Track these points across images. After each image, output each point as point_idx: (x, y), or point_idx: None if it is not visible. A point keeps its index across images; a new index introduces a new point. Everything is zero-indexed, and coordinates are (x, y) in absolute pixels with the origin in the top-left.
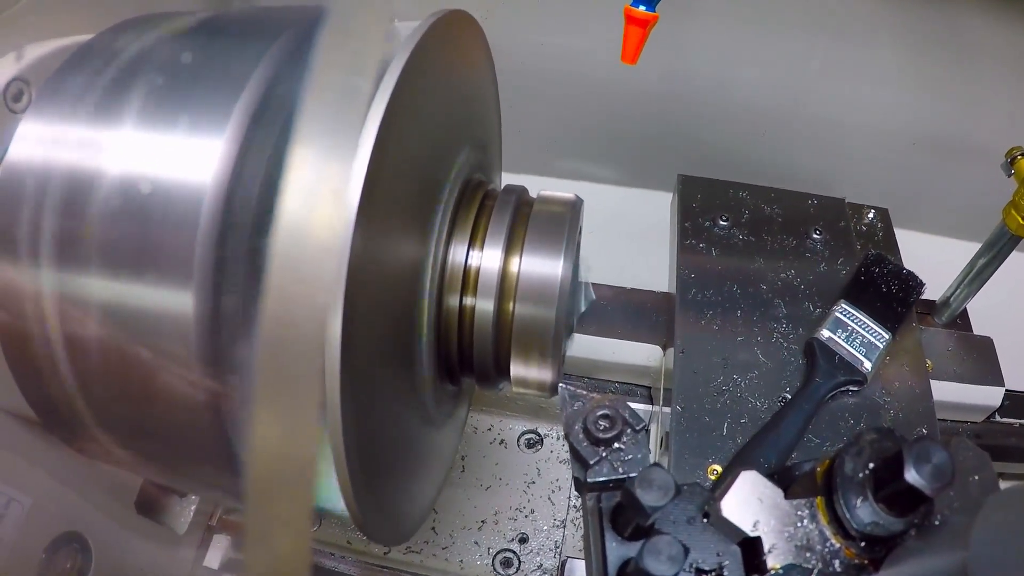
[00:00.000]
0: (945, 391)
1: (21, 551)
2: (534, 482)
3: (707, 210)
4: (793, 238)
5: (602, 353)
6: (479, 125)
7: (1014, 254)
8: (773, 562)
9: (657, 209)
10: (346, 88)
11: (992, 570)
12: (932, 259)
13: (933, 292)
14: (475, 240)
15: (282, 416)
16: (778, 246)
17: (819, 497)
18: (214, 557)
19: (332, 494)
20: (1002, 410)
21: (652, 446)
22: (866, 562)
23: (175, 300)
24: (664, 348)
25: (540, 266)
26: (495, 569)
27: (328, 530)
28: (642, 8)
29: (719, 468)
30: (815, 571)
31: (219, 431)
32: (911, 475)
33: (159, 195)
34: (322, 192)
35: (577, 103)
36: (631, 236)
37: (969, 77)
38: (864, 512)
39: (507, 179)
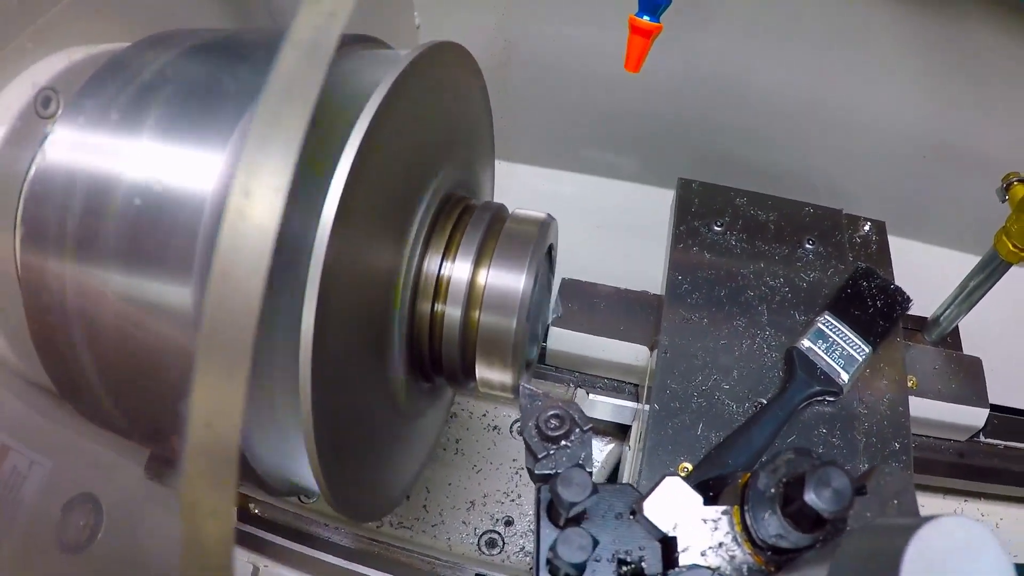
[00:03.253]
0: (928, 408)
1: (41, 509)
2: (524, 467)
3: (703, 214)
4: (786, 246)
5: (592, 350)
6: (465, 147)
7: (1011, 274)
8: (684, 560)
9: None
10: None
11: None
12: (939, 271)
13: (938, 304)
14: (449, 252)
15: (213, 395)
16: (770, 254)
17: (736, 506)
18: None
19: (306, 472)
20: (987, 431)
21: (632, 441)
22: (772, 569)
23: (177, 293)
24: (651, 349)
25: (505, 279)
26: (480, 549)
27: (323, 503)
28: (646, 18)
29: (689, 466)
30: (716, 572)
31: None
32: (810, 497)
33: (168, 201)
34: (260, 180)
35: (590, 98)
36: (642, 232)
37: (983, 90)
38: (771, 525)
39: (522, 169)
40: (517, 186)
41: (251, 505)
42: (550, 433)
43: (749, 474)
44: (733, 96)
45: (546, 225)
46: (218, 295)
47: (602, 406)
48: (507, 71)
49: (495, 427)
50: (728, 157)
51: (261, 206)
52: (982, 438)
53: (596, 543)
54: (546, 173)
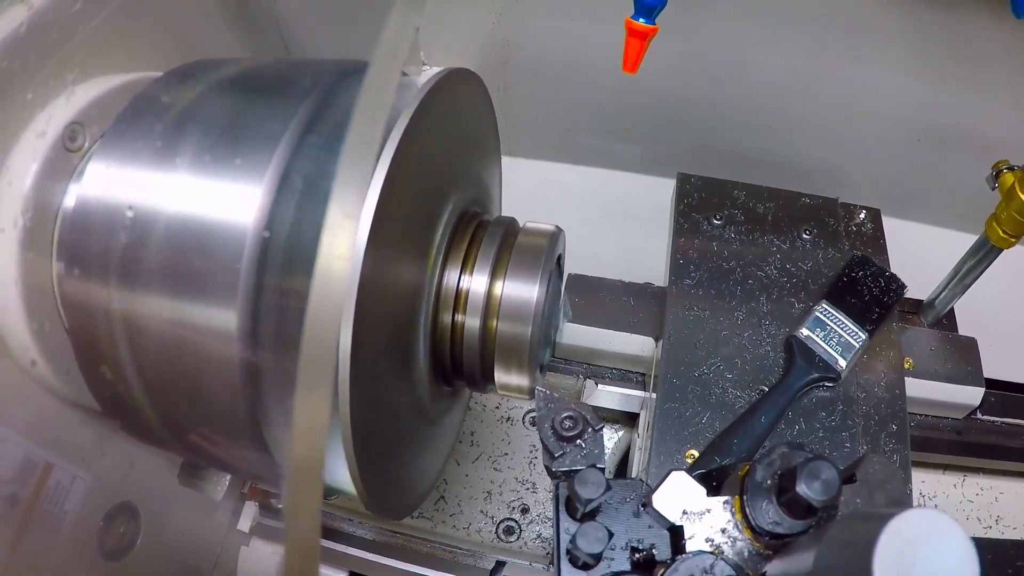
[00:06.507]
0: (925, 389)
1: (83, 520)
2: (536, 457)
3: (702, 208)
4: (784, 237)
5: (599, 342)
6: (477, 164)
7: (1007, 255)
8: (691, 547)
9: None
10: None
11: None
12: (935, 250)
13: (936, 282)
14: (466, 266)
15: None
16: (768, 245)
17: (736, 496)
18: (245, 521)
19: (342, 474)
20: (984, 408)
21: (641, 430)
22: (770, 552)
23: (222, 318)
24: (656, 340)
25: (519, 290)
26: (498, 536)
27: (348, 499)
28: (642, 21)
29: (696, 453)
30: (718, 555)
31: (253, 424)
32: (801, 488)
33: (209, 232)
34: (340, 234)
35: (590, 91)
36: (644, 220)
37: (974, 73)
38: (768, 513)
39: (525, 164)
40: (521, 180)
41: (273, 501)
42: (565, 433)
43: (748, 467)
44: (730, 85)
45: (555, 236)
46: (311, 336)
47: (611, 396)
48: (507, 68)
49: (508, 418)
50: (726, 145)
51: (342, 265)
52: (979, 415)
53: (611, 535)
54: (549, 166)
